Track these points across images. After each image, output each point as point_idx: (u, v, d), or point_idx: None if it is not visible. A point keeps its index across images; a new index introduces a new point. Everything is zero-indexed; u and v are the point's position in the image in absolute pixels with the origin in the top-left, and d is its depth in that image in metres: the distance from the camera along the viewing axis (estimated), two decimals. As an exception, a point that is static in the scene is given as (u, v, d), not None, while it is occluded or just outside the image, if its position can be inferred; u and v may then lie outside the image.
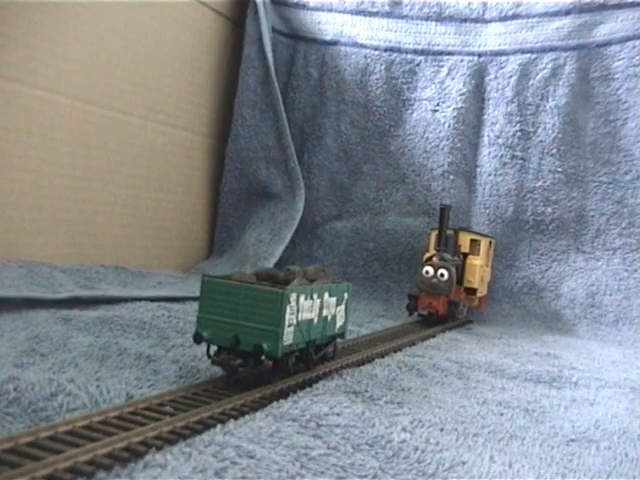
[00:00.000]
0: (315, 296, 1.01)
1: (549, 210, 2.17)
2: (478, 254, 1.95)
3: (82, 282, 1.66)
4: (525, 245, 2.20)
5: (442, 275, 1.75)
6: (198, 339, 0.95)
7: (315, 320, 1.02)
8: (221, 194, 2.39)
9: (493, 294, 2.19)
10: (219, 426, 0.78)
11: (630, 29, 2.12)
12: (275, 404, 0.90)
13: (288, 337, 0.94)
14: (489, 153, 2.25)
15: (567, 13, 2.19)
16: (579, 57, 2.17)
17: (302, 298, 0.97)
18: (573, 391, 1.22)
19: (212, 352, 0.96)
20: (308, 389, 1.00)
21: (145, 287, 1.76)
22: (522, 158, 2.21)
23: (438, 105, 2.30)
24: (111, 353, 1.08)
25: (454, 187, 2.26)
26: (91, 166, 1.86)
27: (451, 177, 2.26)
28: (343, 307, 1.13)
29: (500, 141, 2.24)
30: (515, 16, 2.24)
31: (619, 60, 2.13)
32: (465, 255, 1.93)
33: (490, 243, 2.06)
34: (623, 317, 2.01)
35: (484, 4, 2.28)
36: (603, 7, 2.15)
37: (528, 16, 2.23)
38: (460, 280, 1.88)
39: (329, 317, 1.08)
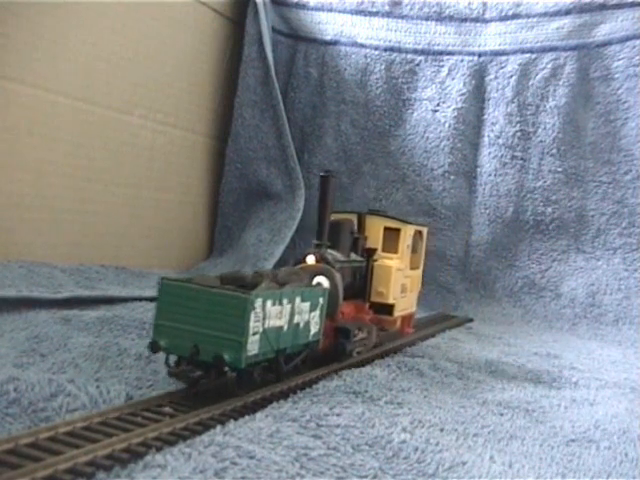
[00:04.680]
0: (285, 301, 0.93)
1: (549, 210, 2.17)
2: (396, 250, 1.37)
3: (82, 282, 1.66)
4: (525, 245, 2.20)
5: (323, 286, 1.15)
6: (154, 348, 0.88)
7: (285, 327, 0.94)
8: (221, 194, 2.39)
9: (493, 294, 2.19)
10: (219, 426, 0.78)
11: (630, 29, 2.12)
12: (275, 404, 0.90)
13: (253, 346, 0.86)
14: (489, 153, 2.25)
15: (567, 13, 2.19)
16: (579, 57, 2.17)
17: (269, 303, 0.88)
18: (573, 391, 1.22)
19: (173, 362, 0.90)
20: (308, 390, 1.00)
21: (145, 287, 1.76)
22: (522, 158, 2.21)
23: (438, 105, 2.30)
24: (111, 353, 1.08)
25: (454, 187, 2.26)
26: (91, 166, 1.86)
27: (451, 177, 2.26)
28: (318, 313, 1.05)
29: (500, 141, 2.24)
30: (515, 16, 2.24)
31: (619, 60, 2.13)
32: (372, 252, 1.32)
33: (418, 234, 1.49)
34: (623, 317, 2.01)
35: (484, 4, 2.28)
36: (603, 7, 2.15)
37: (528, 16, 2.23)
38: (362, 292, 1.30)
39: (301, 324, 0.99)
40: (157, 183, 2.12)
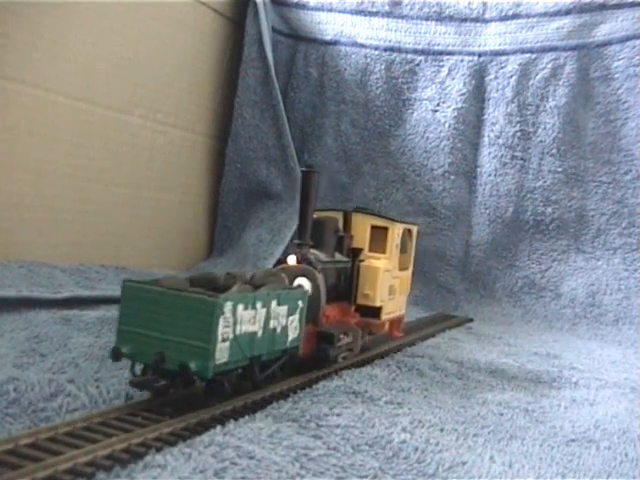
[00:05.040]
0: (258, 305, 0.87)
1: (549, 210, 2.17)
2: (383, 250, 1.32)
3: (82, 282, 1.66)
4: (525, 245, 2.20)
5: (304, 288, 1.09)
6: (116, 355, 0.82)
7: (259, 333, 0.88)
8: (221, 194, 2.39)
9: (493, 294, 2.19)
10: (219, 427, 0.78)
11: (630, 29, 2.12)
12: (275, 405, 0.90)
13: (222, 354, 0.80)
14: (489, 153, 2.25)
15: (567, 13, 2.19)
16: (579, 57, 2.17)
17: (240, 307, 0.82)
18: (573, 391, 1.22)
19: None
20: (308, 390, 1.00)
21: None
22: (522, 158, 2.21)
23: (438, 105, 2.30)
24: (111, 353, 1.08)
25: (454, 187, 2.26)
26: (91, 166, 1.86)
27: (451, 177, 2.26)
28: (297, 317, 0.98)
29: (500, 141, 2.24)
30: (515, 16, 2.24)
31: (619, 60, 2.13)
32: (358, 252, 1.27)
33: (407, 232, 1.44)
34: (623, 317, 2.01)
35: (484, 4, 2.28)
36: (603, 7, 2.15)
37: (528, 16, 2.23)
38: (347, 294, 1.25)
39: (278, 329, 0.93)
40: (157, 183, 2.12)
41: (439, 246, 2.25)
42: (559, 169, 2.17)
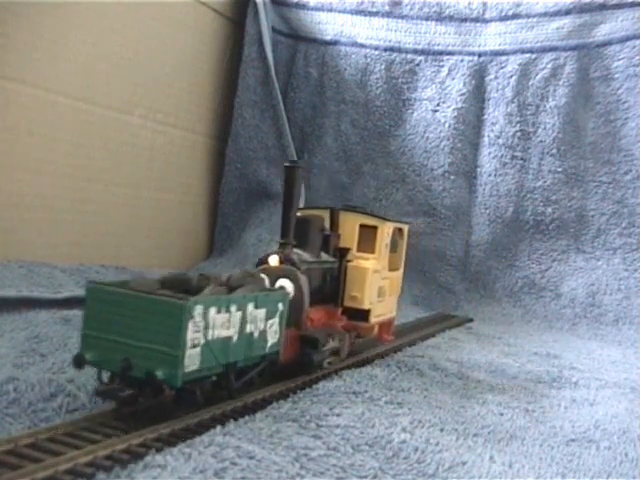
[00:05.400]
0: (233, 308, 0.82)
1: (549, 210, 2.17)
2: (372, 250, 1.27)
3: (82, 282, 1.66)
4: (525, 245, 2.20)
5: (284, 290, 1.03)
6: (79, 362, 0.77)
7: (235, 338, 0.83)
8: (221, 194, 2.39)
9: (493, 294, 2.19)
10: (219, 427, 0.78)
11: (630, 29, 2.12)
12: (275, 405, 0.90)
13: (192, 361, 0.75)
14: (489, 153, 2.25)
15: (567, 13, 2.19)
16: (579, 57, 2.17)
17: (213, 311, 0.78)
18: (573, 391, 1.22)
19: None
20: (308, 390, 1.00)
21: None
22: (522, 158, 2.21)
23: (438, 105, 2.30)
24: (111, 353, 1.08)
25: (454, 187, 2.26)
26: (91, 166, 1.86)
27: (451, 177, 2.26)
28: (277, 321, 0.93)
29: (500, 141, 2.24)
30: (515, 16, 2.24)
31: (619, 60, 2.13)
32: (345, 252, 1.22)
33: (398, 232, 1.39)
34: (623, 317, 2.01)
35: (484, 4, 2.28)
36: (603, 7, 2.15)
37: (528, 16, 2.23)
38: (334, 296, 1.20)
39: (256, 333, 0.88)
40: (157, 183, 2.12)
41: (439, 246, 2.25)
42: (559, 169, 2.17)
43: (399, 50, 2.34)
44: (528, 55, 2.22)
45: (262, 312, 0.89)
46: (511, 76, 2.23)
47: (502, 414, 1.01)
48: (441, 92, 2.30)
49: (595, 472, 0.82)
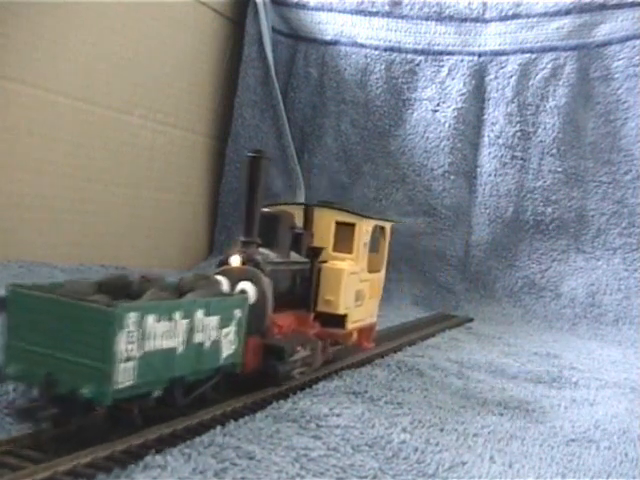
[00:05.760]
0: (177, 315, 0.73)
1: (549, 210, 2.17)
2: (349, 250, 1.16)
3: (82, 282, 1.66)
4: (525, 245, 2.20)
5: (244, 294, 0.93)
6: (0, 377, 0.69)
7: (180, 349, 0.74)
8: (221, 194, 2.39)
9: (493, 294, 2.19)
10: (219, 427, 0.78)
11: (630, 29, 2.12)
12: (275, 405, 0.90)
13: (126, 376, 0.65)
14: (489, 153, 2.25)
15: (567, 13, 2.19)
16: (579, 57, 2.17)
17: (151, 319, 0.68)
18: (573, 391, 1.22)
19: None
20: (308, 390, 1.00)
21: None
22: (522, 158, 2.21)
23: (438, 105, 2.30)
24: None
25: (454, 187, 2.26)
26: (91, 166, 1.86)
27: (451, 177, 2.26)
28: (234, 329, 0.83)
29: (500, 141, 2.24)
30: (515, 16, 2.24)
31: (619, 60, 2.13)
32: (318, 251, 1.10)
33: (380, 230, 1.30)
34: (623, 317, 2.01)
35: (484, 4, 2.28)
36: (603, 7, 2.15)
37: (528, 16, 2.23)
38: (305, 300, 1.09)
39: (207, 344, 0.79)
40: (157, 183, 2.12)
41: (439, 246, 2.25)
42: (559, 169, 2.17)
43: (399, 50, 2.34)
44: (528, 55, 2.22)
45: (215, 320, 0.80)
46: (511, 76, 2.23)
47: (502, 414, 1.01)
48: (441, 92, 2.30)
49: (595, 472, 0.82)
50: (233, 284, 0.93)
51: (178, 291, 0.85)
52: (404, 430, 0.86)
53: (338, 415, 0.88)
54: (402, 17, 2.34)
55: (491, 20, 2.28)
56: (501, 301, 2.17)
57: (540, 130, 2.19)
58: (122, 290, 0.81)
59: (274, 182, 2.32)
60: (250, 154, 1.04)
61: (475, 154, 2.28)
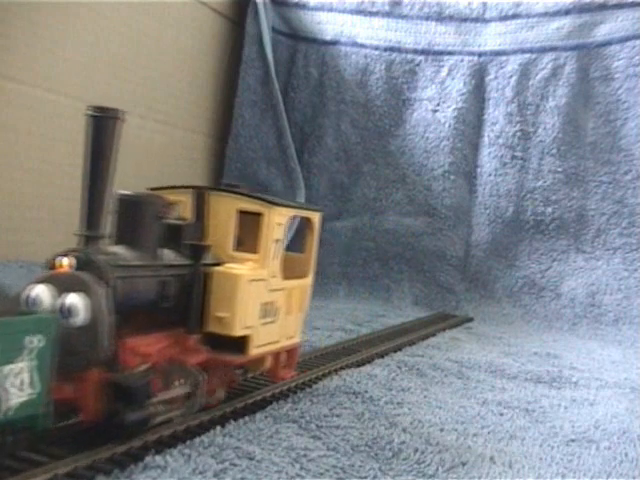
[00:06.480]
0: None
1: (549, 210, 2.17)
2: (254, 248, 0.88)
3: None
4: (525, 245, 2.20)
5: (71, 312, 0.67)
6: None
7: None
8: (221, 194, 2.39)
9: (493, 294, 2.19)
10: (219, 428, 0.78)
11: (630, 29, 2.12)
12: (275, 405, 0.90)
13: None
14: (489, 153, 2.25)
15: (567, 13, 2.19)
16: (579, 57, 2.17)
17: None
18: (573, 391, 1.22)
19: None
20: (308, 390, 1.00)
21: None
22: (522, 158, 2.21)
23: (438, 105, 2.30)
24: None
25: (454, 187, 2.26)
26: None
27: (451, 177, 2.26)
28: (29, 364, 0.58)
29: (500, 141, 2.24)
30: (515, 16, 2.24)
31: (619, 60, 2.13)
32: (201, 251, 0.83)
33: (306, 223, 1.04)
34: (623, 317, 2.01)
35: (484, 4, 2.28)
36: (603, 7, 2.15)
37: (528, 16, 2.23)
38: (185, 316, 0.80)
39: None
40: (157, 183, 2.12)
41: (439, 246, 2.25)
42: (559, 169, 2.17)
43: (399, 50, 2.34)
44: (528, 55, 2.22)
45: None
46: (511, 76, 2.23)
47: (502, 414, 1.01)
48: (441, 92, 2.30)
49: (595, 472, 0.82)
50: (59, 296, 0.67)
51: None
52: (404, 430, 0.86)
53: (338, 415, 0.88)
54: (402, 17, 2.34)
55: (491, 20, 2.28)
56: (501, 301, 2.17)
57: (540, 130, 2.19)
58: None
59: (274, 182, 2.32)
60: (91, 112, 0.74)
61: (475, 154, 2.28)
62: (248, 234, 0.89)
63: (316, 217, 1.03)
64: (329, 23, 2.40)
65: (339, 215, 2.37)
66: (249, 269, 0.84)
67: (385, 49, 2.35)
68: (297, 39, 2.44)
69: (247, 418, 0.83)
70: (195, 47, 2.23)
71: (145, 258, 0.76)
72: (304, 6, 2.41)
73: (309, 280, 1.02)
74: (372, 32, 2.36)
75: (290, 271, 0.95)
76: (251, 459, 0.70)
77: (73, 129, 1.79)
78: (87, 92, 1.81)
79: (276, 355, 0.94)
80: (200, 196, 0.88)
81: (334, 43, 2.39)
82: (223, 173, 2.38)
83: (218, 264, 0.83)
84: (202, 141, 2.34)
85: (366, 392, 1.01)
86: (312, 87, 2.42)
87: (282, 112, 2.32)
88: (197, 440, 0.73)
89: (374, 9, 2.37)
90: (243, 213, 0.88)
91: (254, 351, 0.85)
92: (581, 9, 2.18)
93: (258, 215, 0.88)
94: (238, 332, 0.82)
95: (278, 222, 0.89)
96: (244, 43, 2.34)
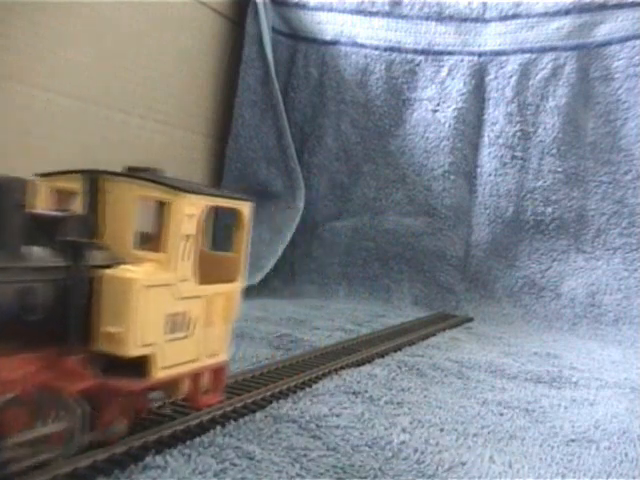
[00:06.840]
0: None
1: (549, 210, 2.17)
2: (158, 246, 0.72)
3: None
4: (525, 245, 2.20)
5: None
6: None
7: None
8: (221, 194, 2.39)
9: (493, 294, 2.19)
10: (219, 427, 0.78)
11: (630, 29, 2.12)
12: (275, 405, 0.90)
13: None
14: (489, 153, 2.25)
15: (567, 13, 2.19)
16: (579, 57, 2.17)
17: None
18: (573, 391, 1.22)
19: None
20: (308, 389, 1.00)
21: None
22: (522, 158, 2.21)
23: (438, 105, 2.30)
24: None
25: (454, 187, 2.26)
26: (91, 166, 1.85)
27: (451, 177, 2.26)
28: None
29: (500, 141, 2.24)
30: (515, 16, 2.24)
31: (619, 60, 2.13)
32: (82, 248, 0.66)
33: (237, 216, 0.92)
34: (623, 317, 2.01)
35: (484, 4, 2.28)
36: (603, 7, 2.15)
37: (528, 16, 2.23)
38: (63, 331, 0.64)
39: None
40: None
41: (439, 246, 2.25)
42: (559, 169, 2.17)
43: (399, 50, 2.34)
44: (528, 55, 2.22)
45: None
46: (511, 76, 2.23)
47: (502, 414, 1.01)
48: (441, 92, 2.30)
49: (595, 472, 0.82)
50: None
51: None
52: (404, 430, 0.86)
53: (338, 415, 0.88)
54: (402, 17, 2.34)
55: (491, 20, 2.28)
56: (501, 301, 2.17)
57: (540, 130, 2.19)
58: None
59: (274, 182, 2.32)
60: None
61: (475, 154, 2.28)
62: (154, 228, 0.74)
63: (245, 208, 0.89)
64: (329, 23, 2.40)
65: (339, 215, 2.37)
66: (147, 272, 0.67)
67: (385, 49, 2.35)
68: (297, 39, 2.44)
69: (247, 418, 0.83)
70: (195, 47, 2.23)
71: (1, 259, 0.59)
72: (304, 6, 2.41)
73: (238, 285, 0.84)
74: (372, 32, 2.36)
75: (214, 274, 0.79)
76: (251, 459, 0.70)
77: (73, 129, 1.79)
78: (88, 92, 1.81)
79: (195, 377, 0.77)
80: (93, 182, 0.75)
81: (334, 43, 2.39)
82: (223, 173, 2.38)
83: (110, 266, 0.66)
84: (202, 141, 2.34)
85: (366, 392, 1.01)
86: (312, 87, 2.42)
87: (282, 112, 2.32)
88: (197, 440, 0.73)
89: (374, 9, 2.37)
90: (159, 204, 0.73)
91: (160, 374, 0.69)
92: (581, 9, 2.18)
93: (169, 204, 0.71)
94: (133, 351, 0.65)
95: (189, 213, 0.73)
96: (244, 43, 2.34)
